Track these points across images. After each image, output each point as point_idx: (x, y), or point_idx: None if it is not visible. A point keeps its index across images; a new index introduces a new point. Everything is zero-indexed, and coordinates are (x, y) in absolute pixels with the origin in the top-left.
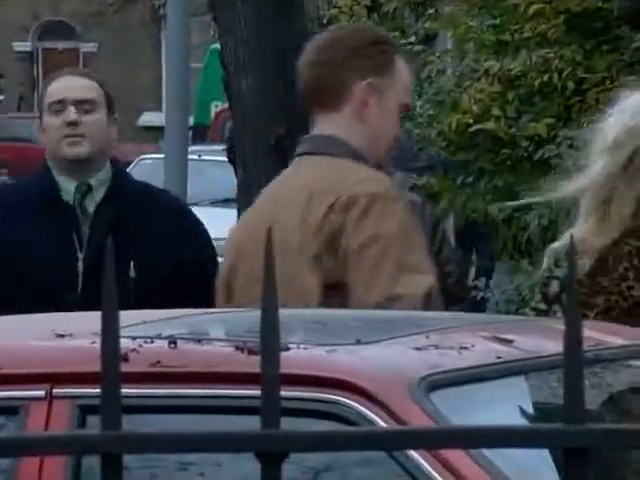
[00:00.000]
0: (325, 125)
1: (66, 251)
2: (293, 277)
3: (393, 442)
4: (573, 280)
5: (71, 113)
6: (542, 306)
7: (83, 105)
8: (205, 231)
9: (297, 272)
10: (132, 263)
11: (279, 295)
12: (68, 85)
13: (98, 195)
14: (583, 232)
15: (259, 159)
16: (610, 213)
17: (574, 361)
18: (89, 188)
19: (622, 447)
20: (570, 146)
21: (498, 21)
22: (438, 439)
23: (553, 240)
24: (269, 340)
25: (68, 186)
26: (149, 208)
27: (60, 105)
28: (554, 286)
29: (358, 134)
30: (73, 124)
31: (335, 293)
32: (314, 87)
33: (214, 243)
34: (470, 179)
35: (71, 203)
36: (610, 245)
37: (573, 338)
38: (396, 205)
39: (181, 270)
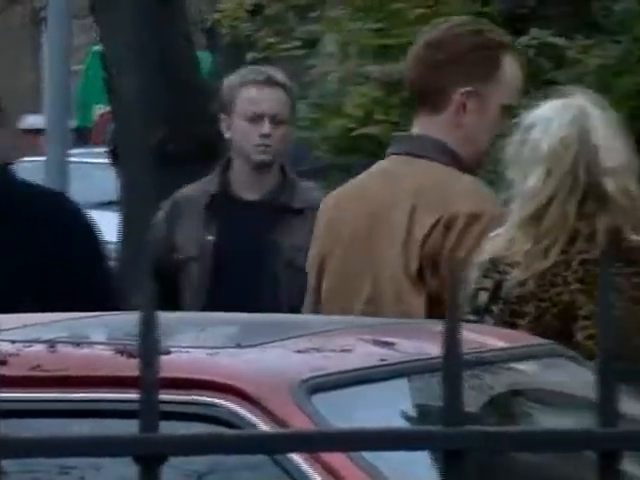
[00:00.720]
0: (427, 126)
1: None
2: (399, 293)
3: (274, 445)
4: (455, 283)
5: None
6: (471, 317)
7: None
8: (89, 226)
9: (401, 288)
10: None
11: (384, 311)
12: None
13: None
14: (512, 239)
15: (141, 161)
16: (547, 219)
17: (452, 364)
18: None
19: (500, 449)
20: None
21: (381, 25)
22: (318, 442)
23: None
24: (148, 343)
25: None
26: (30, 206)
27: None
28: (483, 297)
29: (455, 138)
30: None
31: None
32: (416, 86)
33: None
34: None
35: None
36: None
37: (452, 341)
38: (495, 223)
39: (62, 267)
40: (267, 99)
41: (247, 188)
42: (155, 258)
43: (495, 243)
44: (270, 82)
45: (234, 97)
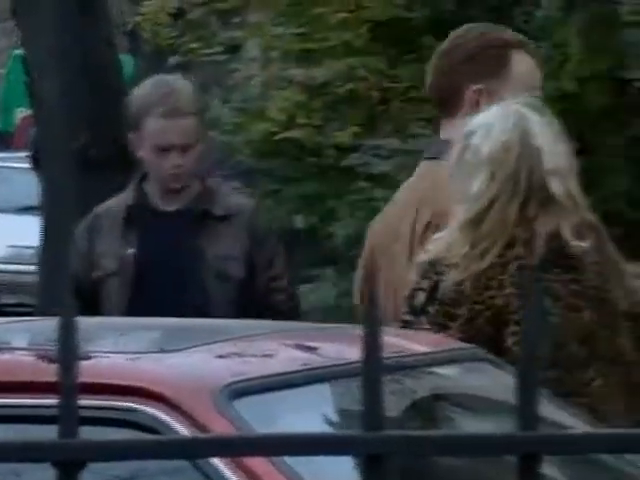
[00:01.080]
0: (447, 130)
1: None
2: (401, 281)
3: (194, 450)
4: (373, 286)
5: None
6: (409, 317)
7: None
8: None
9: (405, 277)
10: None
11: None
12: None
13: None
14: (452, 242)
15: (62, 165)
16: (487, 222)
17: (372, 368)
18: None
19: (421, 454)
20: (375, 155)
21: (303, 29)
22: (239, 447)
23: (358, 249)
24: (67, 348)
25: None
26: None
27: None
28: (420, 297)
29: None
30: None
31: None
32: (434, 93)
33: (20, 251)
34: (275, 188)
35: None
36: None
37: (371, 345)
38: None
39: None
40: (175, 131)
41: (165, 200)
42: (75, 276)
43: (436, 245)
44: (178, 113)
45: (141, 122)
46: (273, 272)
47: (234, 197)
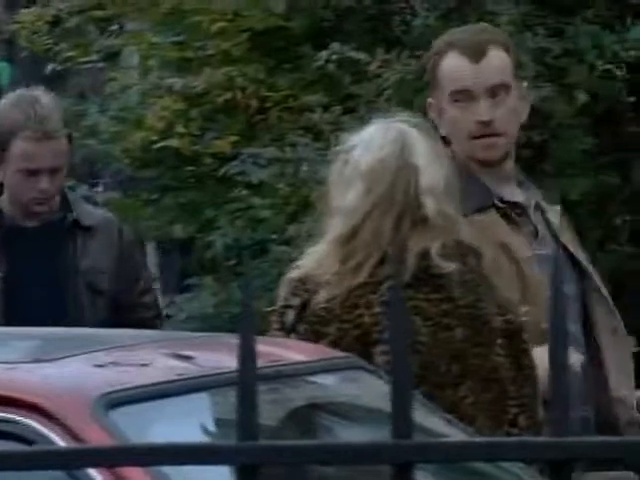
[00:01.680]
0: None
1: None
2: None
3: (69, 461)
4: (249, 294)
5: None
6: (279, 334)
7: None
8: None
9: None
10: None
11: None
12: None
13: None
14: (323, 258)
15: None
16: (360, 236)
17: (247, 377)
18: None
19: (295, 463)
20: (254, 163)
21: (181, 38)
22: (114, 457)
23: (237, 258)
24: None
25: None
26: None
27: None
28: (290, 315)
29: (452, 146)
30: None
31: None
32: None
33: None
34: (154, 196)
35: None
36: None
37: (246, 354)
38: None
39: None
40: (43, 155)
41: (25, 218)
42: None
43: (308, 260)
44: (46, 136)
45: (7, 143)
46: (139, 287)
47: (96, 209)
